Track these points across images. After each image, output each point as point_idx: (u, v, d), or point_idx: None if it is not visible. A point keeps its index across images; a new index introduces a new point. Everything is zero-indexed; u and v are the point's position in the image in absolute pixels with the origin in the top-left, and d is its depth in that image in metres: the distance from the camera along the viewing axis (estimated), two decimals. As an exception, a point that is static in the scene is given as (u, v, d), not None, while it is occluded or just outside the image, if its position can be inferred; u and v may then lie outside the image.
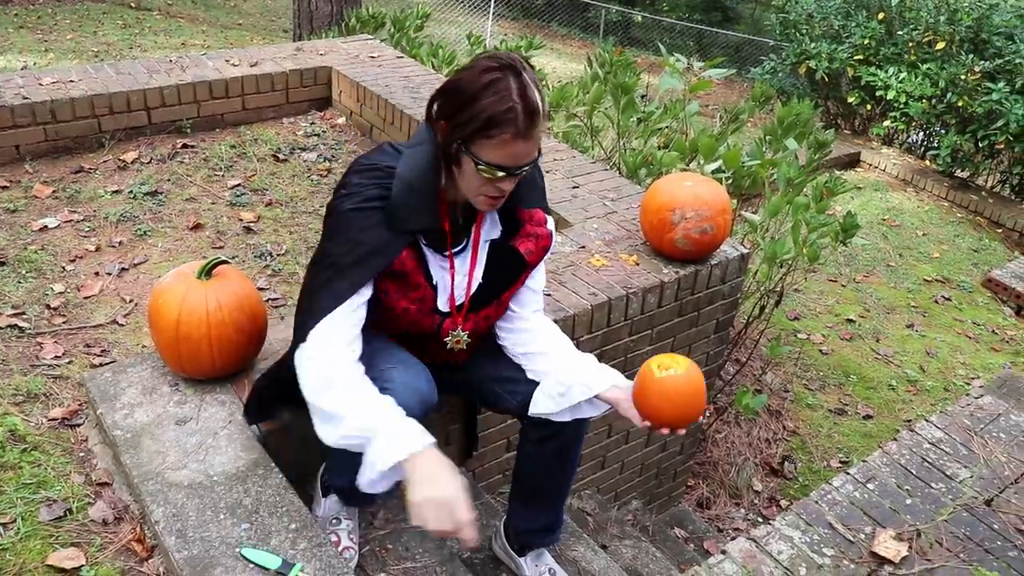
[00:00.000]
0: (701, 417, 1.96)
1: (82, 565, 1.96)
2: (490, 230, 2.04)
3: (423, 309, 2.00)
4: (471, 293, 2.05)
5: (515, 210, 2.03)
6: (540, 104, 1.73)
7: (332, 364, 1.82)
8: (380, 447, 1.74)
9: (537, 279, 2.16)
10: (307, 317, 1.86)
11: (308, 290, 1.92)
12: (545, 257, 2.14)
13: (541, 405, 2.10)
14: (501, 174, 1.77)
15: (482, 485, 2.95)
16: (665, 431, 1.96)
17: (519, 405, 2.16)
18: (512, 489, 2.47)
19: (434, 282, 1.99)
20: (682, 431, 1.97)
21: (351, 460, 2.16)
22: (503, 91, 1.70)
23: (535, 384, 2.13)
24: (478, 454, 2.88)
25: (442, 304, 2.03)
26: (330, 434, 1.81)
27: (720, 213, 3.01)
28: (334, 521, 2.29)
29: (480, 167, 1.76)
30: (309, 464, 2.41)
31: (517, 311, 2.16)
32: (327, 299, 1.85)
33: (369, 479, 1.78)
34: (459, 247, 2.00)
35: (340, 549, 2.25)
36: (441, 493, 1.71)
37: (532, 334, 2.16)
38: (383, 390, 1.86)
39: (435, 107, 1.83)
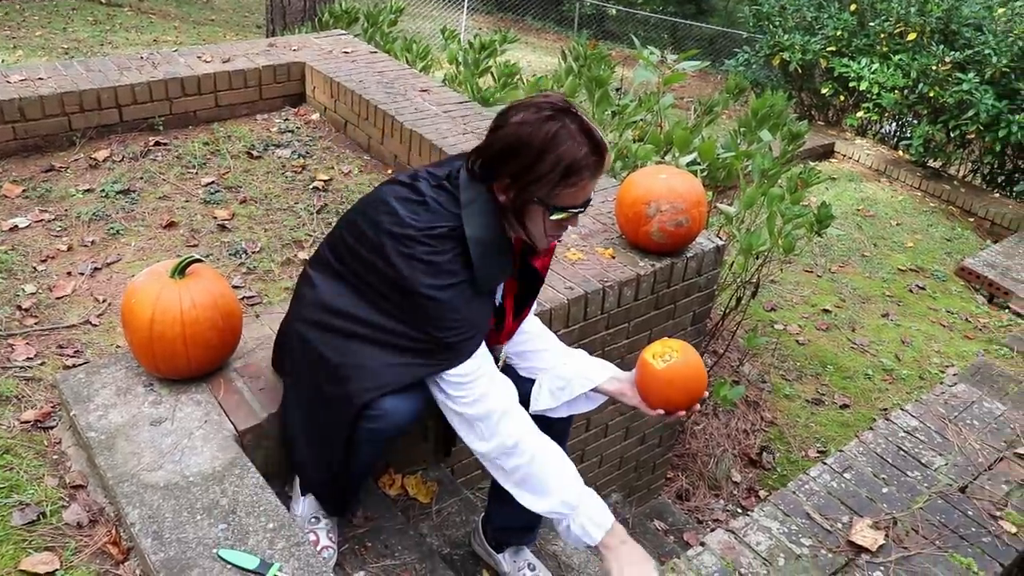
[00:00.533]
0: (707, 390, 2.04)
1: (56, 569, 1.93)
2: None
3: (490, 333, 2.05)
4: (511, 310, 2.11)
5: None
6: (603, 137, 1.78)
7: (519, 426, 1.91)
8: (581, 523, 1.89)
9: None
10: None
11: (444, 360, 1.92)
12: None
13: (542, 402, 2.14)
14: (575, 212, 1.82)
15: (461, 481, 2.94)
16: (681, 414, 2.06)
17: None
18: (492, 487, 2.47)
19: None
20: (697, 408, 2.06)
21: (356, 487, 2.21)
22: (571, 137, 1.73)
23: (524, 381, 2.16)
24: (456, 450, 2.87)
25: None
26: (534, 505, 1.93)
27: (695, 205, 3.02)
28: (313, 520, 2.27)
29: (556, 214, 1.80)
30: (286, 463, 2.39)
31: None
32: (463, 355, 1.89)
33: (574, 543, 1.95)
34: None
35: (319, 548, 2.23)
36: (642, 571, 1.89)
37: (526, 335, 2.20)
38: (370, 418, 1.94)
39: (482, 165, 1.83)
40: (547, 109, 1.74)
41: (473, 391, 1.90)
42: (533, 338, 2.20)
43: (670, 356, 1.99)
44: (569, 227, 1.91)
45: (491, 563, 2.54)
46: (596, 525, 1.89)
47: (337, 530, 2.32)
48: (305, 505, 2.29)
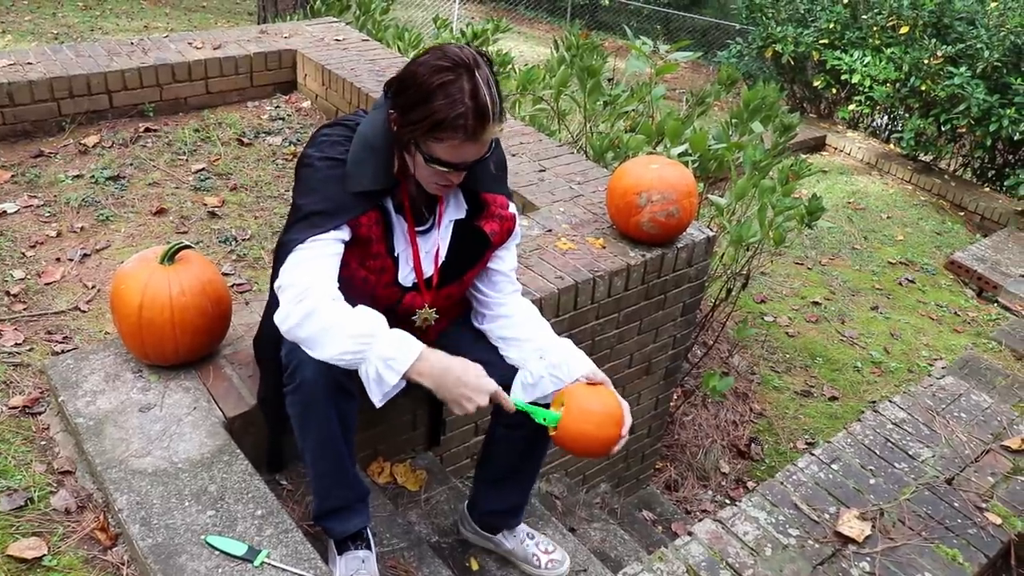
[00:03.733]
0: (619, 439, 2.01)
1: (44, 555, 1.93)
2: (455, 210, 2.08)
3: (382, 281, 2.01)
4: (438, 269, 2.08)
5: (479, 193, 2.07)
6: (492, 107, 1.76)
7: (310, 289, 1.83)
8: (383, 354, 1.81)
9: (508, 261, 2.18)
10: (280, 265, 1.89)
11: (280, 243, 1.93)
12: (515, 241, 2.18)
13: (516, 394, 2.12)
14: (448, 170, 1.82)
15: (450, 469, 2.94)
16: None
17: None
18: (480, 472, 2.47)
19: (395, 254, 2.01)
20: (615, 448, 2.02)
21: (332, 483, 2.12)
22: (454, 94, 1.72)
23: (511, 369, 2.14)
24: (445, 439, 2.87)
25: (403, 278, 2.04)
26: (325, 349, 1.82)
27: (686, 196, 3.02)
28: None
29: (430, 163, 1.81)
30: (275, 450, 2.39)
31: (494, 296, 2.18)
32: (298, 236, 1.87)
33: (383, 392, 1.84)
34: (425, 226, 2.04)
35: None
36: (463, 378, 1.85)
37: (511, 319, 2.17)
38: (290, 368, 1.92)
39: (388, 91, 1.86)
40: (450, 59, 1.74)
41: (288, 263, 1.87)
42: (515, 325, 2.16)
43: (558, 422, 1.98)
44: (453, 182, 1.89)
45: (488, 546, 2.55)
46: (395, 355, 1.81)
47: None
48: (343, 566, 2.20)
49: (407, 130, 1.79)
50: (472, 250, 2.10)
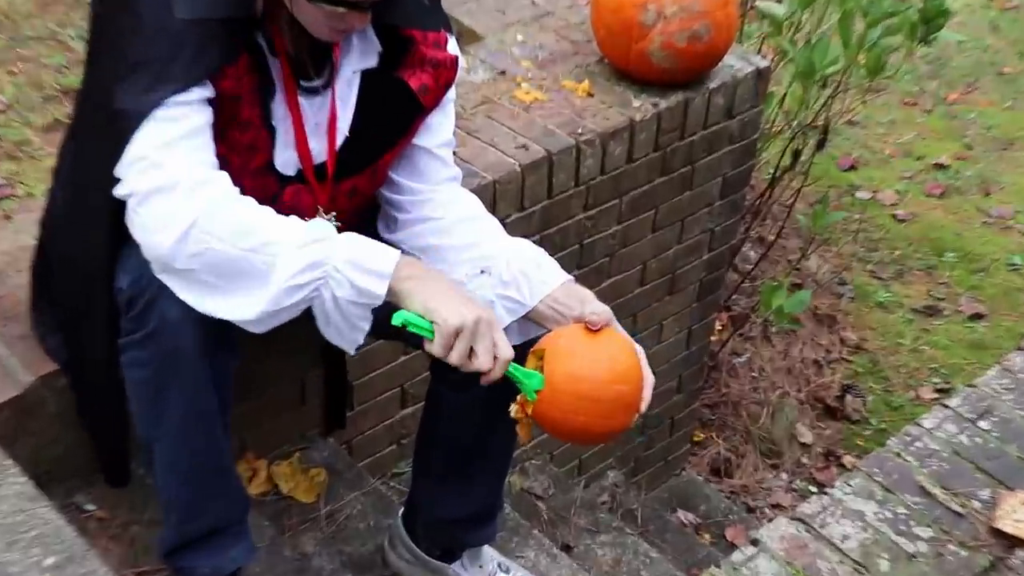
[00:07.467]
0: (632, 421, 2.06)
1: None
2: (360, 57, 2.05)
3: (249, 166, 1.97)
4: (335, 152, 2.07)
5: (398, 28, 2.03)
6: None
7: (207, 186, 1.79)
8: (352, 258, 1.80)
9: (439, 132, 2.18)
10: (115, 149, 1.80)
11: (115, 113, 1.82)
12: (450, 96, 2.17)
13: None
14: (343, 10, 1.81)
15: (364, 463, 2.96)
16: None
17: None
18: (419, 463, 2.51)
19: (272, 122, 1.98)
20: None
21: (203, 491, 2.14)
22: None
23: None
24: (353, 415, 2.87)
25: (281, 163, 2.02)
26: (265, 282, 1.79)
27: (719, 6, 3.00)
28: None
29: (316, 1, 1.78)
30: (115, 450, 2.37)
31: (416, 187, 2.18)
32: (144, 101, 1.79)
33: (367, 314, 1.86)
34: (314, 83, 2.02)
35: None
36: (458, 288, 1.91)
37: (441, 223, 2.16)
38: (140, 304, 1.88)
39: None
40: None
41: (142, 147, 1.80)
42: (447, 229, 2.15)
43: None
44: (355, 27, 1.90)
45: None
46: (369, 256, 1.84)
47: None
48: None
49: None
50: (391, 119, 2.10)
